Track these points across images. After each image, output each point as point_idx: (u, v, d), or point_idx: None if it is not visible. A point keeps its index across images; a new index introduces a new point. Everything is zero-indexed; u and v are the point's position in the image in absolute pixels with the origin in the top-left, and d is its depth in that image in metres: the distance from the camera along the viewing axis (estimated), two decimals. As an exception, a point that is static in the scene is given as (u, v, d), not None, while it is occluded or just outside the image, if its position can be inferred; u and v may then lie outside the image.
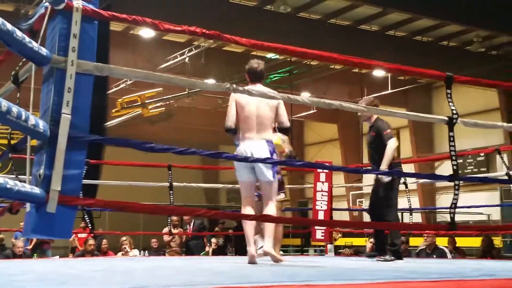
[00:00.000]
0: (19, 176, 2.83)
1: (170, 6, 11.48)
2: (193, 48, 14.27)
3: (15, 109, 2.02)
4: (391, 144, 5.50)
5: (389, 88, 16.01)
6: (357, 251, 10.74)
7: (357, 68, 15.87)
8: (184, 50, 14.34)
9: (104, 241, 9.99)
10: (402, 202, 9.35)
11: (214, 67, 15.06)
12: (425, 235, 8.60)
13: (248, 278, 3.11)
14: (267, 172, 4.45)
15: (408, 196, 7.66)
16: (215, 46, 14.76)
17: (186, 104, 17.69)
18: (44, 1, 2.43)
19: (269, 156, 4.34)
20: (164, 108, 16.99)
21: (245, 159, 3.97)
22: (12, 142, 2.61)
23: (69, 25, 2.22)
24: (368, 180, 14.82)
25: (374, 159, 5.70)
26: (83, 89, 2.29)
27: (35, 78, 2.34)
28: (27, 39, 2.09)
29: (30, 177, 2.30)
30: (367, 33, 14.92)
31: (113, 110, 15.78)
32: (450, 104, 3.22)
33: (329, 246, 8.21)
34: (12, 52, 2.32)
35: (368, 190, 18.06)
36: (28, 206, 2.24)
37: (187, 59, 14.27)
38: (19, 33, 2.04)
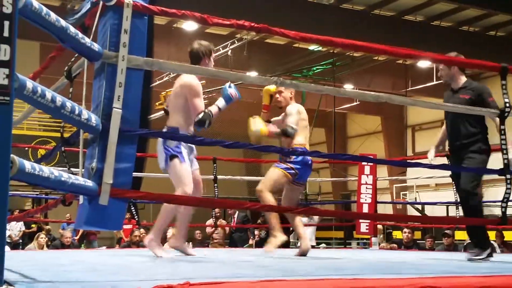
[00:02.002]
0: (71, 169, 2.89)
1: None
2: (235, 41, 14.31)
3: (69, 103, 2.07)
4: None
5: (434, 80, 15.75)
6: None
7: (401, 59, 15.66)
8: (226, 43, 14.40)
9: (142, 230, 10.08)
10: (448, 196, 9.20)
11: (256, 60, 15.08)
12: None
13: (293, 272, 3.12)
14: (160, 161, 4.07)
15: (455, 189, 7.51)
16: (258, 38, 14.76)
17: (229, 97, 17.74)
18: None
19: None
20: (207, 101, 17.08)
21: (280, 151, 3.93)
22: (65, 135, 2.67)
23: (120, 21, 2.26)
24: (413, 173, 14.65)
25: (463, 134, 4.35)
26: (133, 83, 2.32)
27: (87, 73, 2.39)
28: (80, 35, 2.13)
29: (83, 170, 2.35)
30: (412, 23, 14.69)
31: (157, 103, 15.92)
32: (505, 96, 3.14)
33: (374, 239, 8.15)
34: (64, 48, 2.38)
35: (411, 182, 17.87)
36: (81, 198, 2.29)
37: (229, 52, 14.33)
38: (72, 30, 2.09)
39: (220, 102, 3.97)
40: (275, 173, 4.65)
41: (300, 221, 4.88)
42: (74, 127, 2.47)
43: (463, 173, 4.33)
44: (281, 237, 4.58)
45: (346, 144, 23.26)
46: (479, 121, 4.30)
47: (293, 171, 4.65)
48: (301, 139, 4.71)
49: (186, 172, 3.89)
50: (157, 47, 11.43)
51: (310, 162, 4.78)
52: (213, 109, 3.83)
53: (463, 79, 4.44)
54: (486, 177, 18.54)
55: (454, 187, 7.43)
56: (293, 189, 4.82)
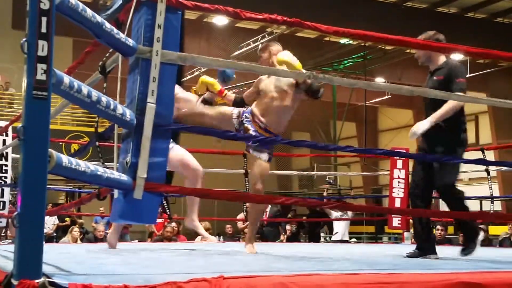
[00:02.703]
0: (105, 163, 2.92)
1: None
2: (266, 35, 14.30)
3: (104, 98, 2.09)
4: (454, 102, 3.85)
5: (468, 72, 15.50)
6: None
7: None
8: (257, 37, 14.40)
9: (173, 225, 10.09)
10: (483, 190, 9.07)
11: (287, 54, 15.01)
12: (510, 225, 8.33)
13: (327, 265, 3.11)
14: None
15: (490, 183, 7.40)
16: (288, 32, 14.73)
17: (259, 91, 17.76)
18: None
19: None
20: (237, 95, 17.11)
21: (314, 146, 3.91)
22: (99, 130, 2.70)
23: (154, 16, 2.27)
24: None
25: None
26: (167, 78, 2.34)
27: (121, 68, 2.41)
28: (115, 30, 2.15)
29: (117, 164, 2.37)
30: (445, 15, 14.49)
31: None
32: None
33: (406, 234, 8.08)
34: (99, 44, 2.40)
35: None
36: (116, 192, 2.32)
37: (259, 46, 14.34)
38: (107, 25, 2.11)
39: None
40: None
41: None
42: (108, 122, 2.49)
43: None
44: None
45: (377, 138, 23.09)
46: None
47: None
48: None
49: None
50: (187, 42, 11.47)
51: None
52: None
53: (441, 59, 4.10)
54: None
55: (489, 181, 7.35)
56: None
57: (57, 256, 3.28)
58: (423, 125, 3.87)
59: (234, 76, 4.30)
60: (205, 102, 4.42)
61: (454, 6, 14.35)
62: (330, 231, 11.33)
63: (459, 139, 4.02)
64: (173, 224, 9.50)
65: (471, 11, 14.53)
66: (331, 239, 10.87)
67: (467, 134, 4.07)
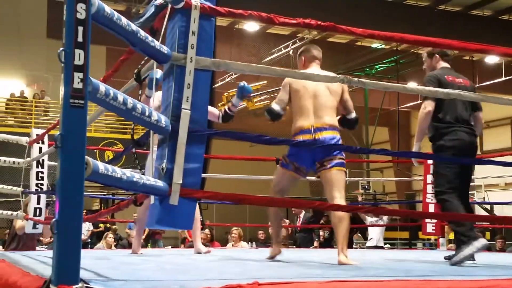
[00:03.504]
0: (141, 170, 2.94)
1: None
2: (297, 40, 14.30)
3: (139, 105, 2.11)
4: (422, 109, 4.05)
5: (503, 76, 15.25)
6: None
7: (468, 55, 15.25)
8: (288, 43, 14.40)
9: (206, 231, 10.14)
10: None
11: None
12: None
13: (363, 272, 3.08)
14: None
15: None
16: (319, 37, 14.69)
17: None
18: (157, 0, 2.51)
19: None
20: (269, 101, 17.14)
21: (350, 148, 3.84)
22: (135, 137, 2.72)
23: (188, 23, 2.28)
24: (481, 172, 14.22)
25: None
26: (201, 84, 2.34)
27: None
28: (150, 38, 2.17)
29: (154, 170, 2.39)
30: (479, 18, 14.30)
31: (219, 104, 16.16)
32: None
33: (441, 240, 7.96)
34: (133, 51, 2.42)
35: (479, 182, 17.38)
36: (152, 198, 2.33)
37: (291, 52, 14.32)
38: (142, 33, 2.13)
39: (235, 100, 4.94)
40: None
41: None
42: (142, 129, 2.51)
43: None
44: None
45: (410, 143, 22.83)
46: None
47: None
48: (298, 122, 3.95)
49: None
50: (219, 48, 11.54)
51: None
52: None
53: (442, 64, 4.30)
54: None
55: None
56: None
57: (93, 262, 3.32)
58: (414, 150, 4.11)
59: (252, 91, 4.44)
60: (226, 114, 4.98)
61: (488, 8, 14.14)
62: (363, 236, 11.20)
63: (438, 145, 4.12)
64: (206, 230, 9.53)
65: (506, 13, 14.30)
66: (365, 245, 10.75)
67: (449, 139, 4.08)
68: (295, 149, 3.93)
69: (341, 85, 3.93)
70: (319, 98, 3.90)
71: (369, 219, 10.53)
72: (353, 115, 4.16)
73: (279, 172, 4.08)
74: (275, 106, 4.03)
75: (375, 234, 10.68)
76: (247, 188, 9.97)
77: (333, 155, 3.83)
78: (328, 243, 11.61)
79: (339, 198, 3.78)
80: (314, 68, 4.09)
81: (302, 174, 4.04)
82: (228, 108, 5.06)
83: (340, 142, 3.90)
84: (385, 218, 10.48)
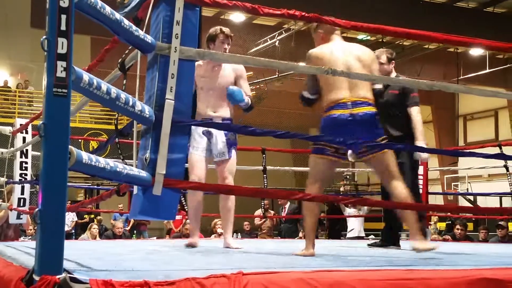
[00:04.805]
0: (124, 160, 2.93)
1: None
2: (283, 32, 14.27)
3: (123, 95, 2.10)
4: (419, 112, 4.64)
5: (487, 68, 15.34)
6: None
7: (453, 47, 15.33)
8: (274, 34, 14.38)
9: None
10: (503, 186, 8.98)
11: (304, 50, 14.92)
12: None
13: (347, 262, 3.10)
14: None
15: (509, 180, 7.32)
16: (305, 28, 14.67)
17: (276, 88, 17.76)
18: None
19: None
20: (254, 92, 17.13)
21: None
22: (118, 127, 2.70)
23: (172, 13, 2.27)
24: (465, 163, 14.34)
25: (393, 126, 4.55)
26: (185, 75, 2.34)
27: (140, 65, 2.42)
28: (134, 27, 2.15)
29: (137, 161, 2.38)
30: (464, 10, 14.36)
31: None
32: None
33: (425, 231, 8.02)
34: (118, 41, 2.41)
35: (463, 173, 17.50)
36: (135, 188, 2.32)
37: (277, 43, 14.30)
38: (126, 22, 2.11)
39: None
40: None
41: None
42: (126, 119, 2.50)
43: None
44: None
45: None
46: (407, 116, 4.63)
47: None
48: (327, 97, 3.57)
49: (192, 161, 4.13)
50: (204, 39, 11.50)
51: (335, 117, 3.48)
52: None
53: (394, 74, 4.74)
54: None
55: (509, 177, 7.26)
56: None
57: (77, 252, 3.30)
58: (423, 146, 4.45)
59: (244, 100, 4.11)
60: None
61: (473, 0, 14.22)
62: (343, 228, 11.24)
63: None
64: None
65: (491, 5, 14.38)
66: (346, 236, 10.81)
67: None
68: (330, 127, 3.44)
69: (371, 56, 3.66)
70: (351, 71, 3.38)
71: (348, 210, 10.59)
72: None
73: (313, 161, 3.58)
74: (305, 94, 3.72)
75: (355, 225, 10.75)
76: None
77: (381, 136, 3.51)
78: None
79: (403, 186, 3.51)
80: (337, 40, 3.73)
81: (342, 157, 3.54)
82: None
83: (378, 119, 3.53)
84: (364, 209, 10.54)
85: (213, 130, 4.08)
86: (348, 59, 3.51)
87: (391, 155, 3.55)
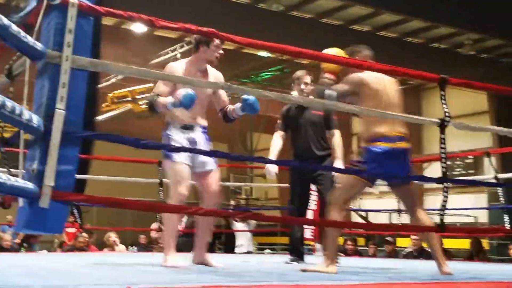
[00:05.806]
0: (10, 170, 2.81)
1: (161, 2, 11.44)
2: (184, 44, 14.23)
3: (9, 103, 2.01)
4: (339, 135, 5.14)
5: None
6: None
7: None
8: (175, 46, 14.31)
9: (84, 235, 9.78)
10: (391, 203, 9.38)
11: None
12: (413, 238, 8.64)
13: (239, 277, 3.12)
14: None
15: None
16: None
17: (176, 101, 17.64)
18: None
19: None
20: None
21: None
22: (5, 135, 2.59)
23: (65, 20, 2.20)
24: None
25: (317, 146, 5.07)
26: (77, 84, 2.27)
27: (29, 72, 2.33)
28: (23, 33, 2.07)
29: (23, 171, 2.29)
30: (359, 33, 14.95)
31: (103, 105, 15.70)
32: (444, 106, 3.21)
33: (318, 246, 8.23)
34: (6, 46, 2.31)
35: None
36: (20, 201, 2.23)
37: (178, 55, 14.23)
38: (14, 28, 2.03)
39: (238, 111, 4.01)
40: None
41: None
42: (16, 128, 2.40)
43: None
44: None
45: (351, 142, 23.37)
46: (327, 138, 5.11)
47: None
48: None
49: (177, 171, 3.92)
50: (104, 48, 11.23)
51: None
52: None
53: None
54: (426, 185, 18.62)
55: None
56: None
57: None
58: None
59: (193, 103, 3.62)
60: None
61: (367, 24, 14.81)
62: (230, 243, 11.24)
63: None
64: (84, 234, 9.25)
65: (383, 30, 15.03)
66: (235, 251, 10.81)
67: None
68: (382, 158, 3.54)
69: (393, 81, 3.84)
70: (391, 99, 3.69)
71: (237, 225, 10.65)
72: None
73: (349, 179, 3.70)
74: (332, 93, 3.65)
75: (244, 240, 10.82)
76: (132, 190, 9.76)
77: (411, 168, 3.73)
78: (211, 248, 11.62)
79: (426, 213, 3.81)
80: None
81: (373, 182, 3.75)
82: (231, 112, 4.21)
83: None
84: (252, 223, 10.67)
85: (197, 138, 4.02)
86: (390, 88, 3.81)
87: (416, 187, 3.92)
